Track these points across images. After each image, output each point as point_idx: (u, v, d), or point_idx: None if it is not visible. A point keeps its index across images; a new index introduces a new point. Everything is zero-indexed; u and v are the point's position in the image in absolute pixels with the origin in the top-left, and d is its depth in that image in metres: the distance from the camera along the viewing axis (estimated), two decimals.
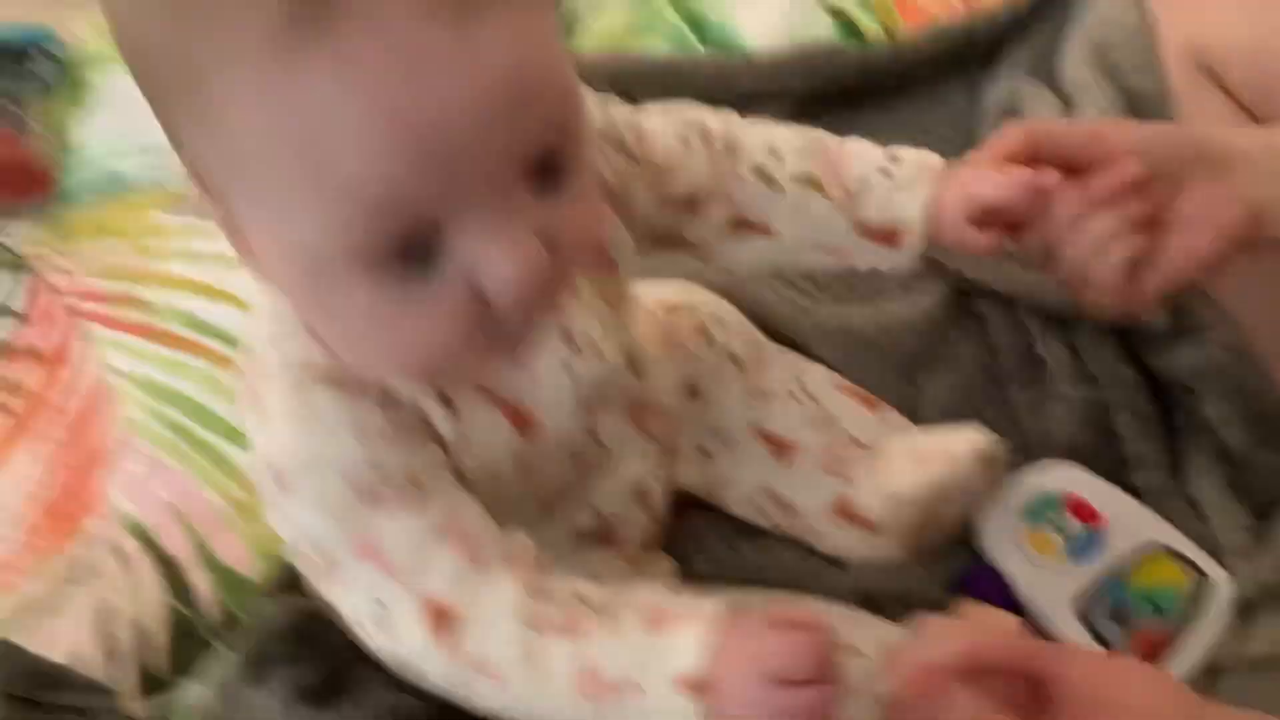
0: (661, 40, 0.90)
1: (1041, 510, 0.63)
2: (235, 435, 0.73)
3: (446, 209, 0.37)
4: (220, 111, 0.36)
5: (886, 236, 0.53)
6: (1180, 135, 0.58)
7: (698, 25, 0.91)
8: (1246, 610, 0.58)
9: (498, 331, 0.39)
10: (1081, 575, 0.60)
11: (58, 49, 0.96)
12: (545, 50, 0.38)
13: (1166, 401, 0.67)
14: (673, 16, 0.92)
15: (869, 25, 0.90)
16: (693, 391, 0.62)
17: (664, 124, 0.53)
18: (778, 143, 0.53)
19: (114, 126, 0.91)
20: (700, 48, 0.90)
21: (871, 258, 0.54)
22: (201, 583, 0.66)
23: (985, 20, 0.85)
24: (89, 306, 0.80)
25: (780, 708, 0.39)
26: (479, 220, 0.37)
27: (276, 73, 0.34)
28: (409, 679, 0.45)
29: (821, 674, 0.39)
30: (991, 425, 0.63)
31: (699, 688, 0.39)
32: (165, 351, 0.77)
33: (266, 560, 0.66)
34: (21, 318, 0.80)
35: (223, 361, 0.76)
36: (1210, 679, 0.56)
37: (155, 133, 0.91)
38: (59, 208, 0.87)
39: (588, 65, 0.81)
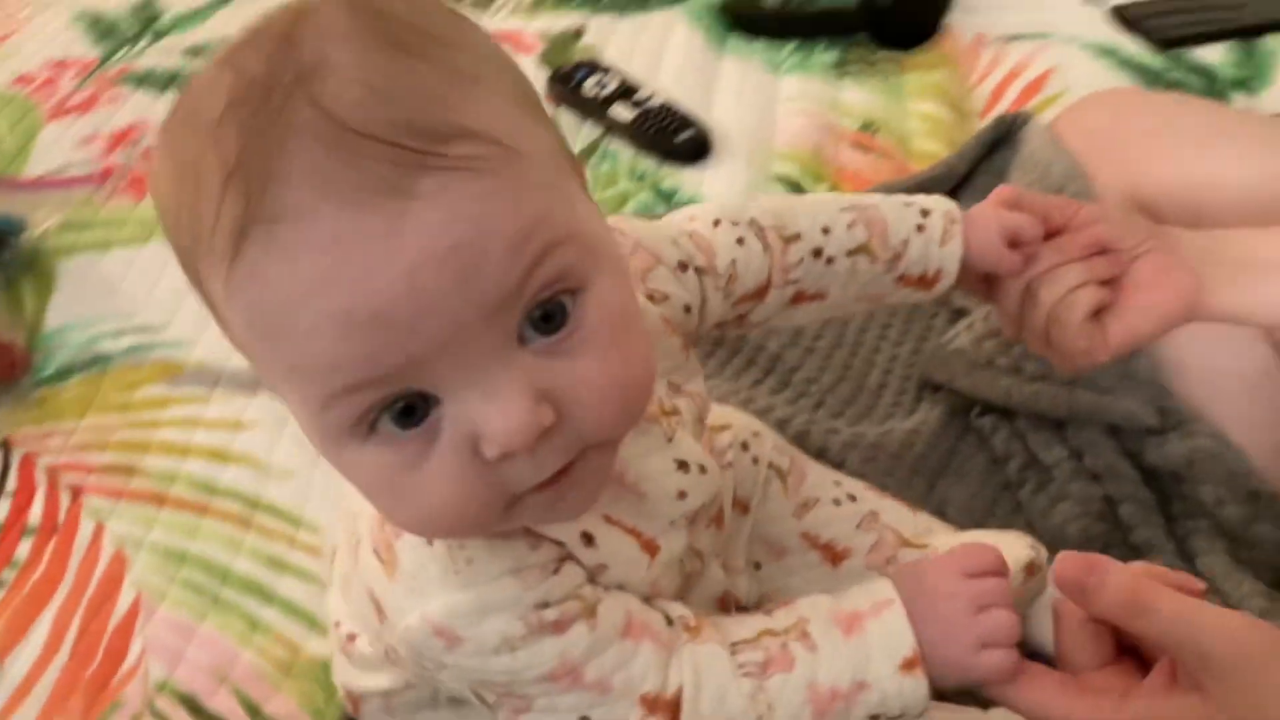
0: (633, 210, 0.96)
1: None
2: (263, 593, 0.71)
3: (427, 378, 0.37)
4: (213, 303, 0.39)
5: (925, 282, 0.58)
6: (1135, 216, 0.65)
7: (665, 196, 0.98)
8: None
9: (515, 487, 0.39)
10: None
11: (22, 236, 0.96)
12: (508, 211, 0.36)
13: (1163, 491, 0.73)
14: (641, 191, 0.99)
15: (817, 190, 0.98)
16: (743, 506, 0.64)
17: (720, 232, 0.57)
18: (827, 220, 0.58)
19: (88, 310, 0.91)
20: None
21: (907, 298, 0.60)
22: None
23: (928, 178, 0.94)
24: (90, 480, 0.78)
25: (985, 631, 0.46)
26: (466, 383, 0.37)
27: (238, 274, 0.36)
28: None
29: (998, 568, 0.47)
30: (1010, 527, 0.68)
31: (914, 664, 0.45)
32: (177, 516, 0.75)
33: (320, 716, 0.64)
34: (13, 495, 0.77)
35: (241, 522, 0.75)
36: None
37: (138, 314, 0.93)
38: (41, 390, 0.85)
39: None
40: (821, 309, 0.59)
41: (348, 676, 0.56)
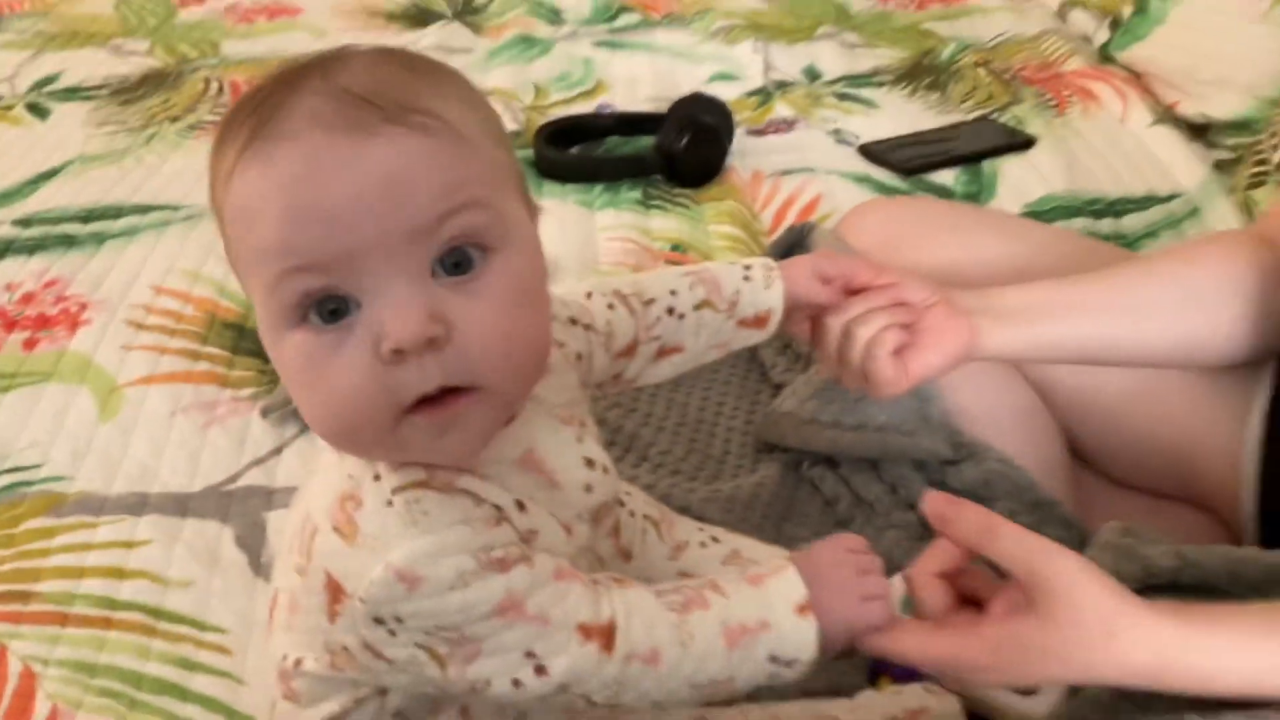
0: None
1: (907, 607, 0.80)
2: (178, 691, 0.74)
3: (353, 281, 0.47)
4: (220, 218, 0.51)
5: (759, 321, 0.71)
6: (923, 278, 0.81)
7: None
8: None
9: (402, 393, 0.48)
10: None
11: None
12: (441, 166, 0.48)
13: None
14: None
15: None
16: (626, 555, 0.74)
17: (593, 301, 0.68)
18: (673, 284, 0.70)
19: None
20: None
21: (747, 339, 0.71)
22: None
23: None
24: None
25: (866, 589, 0.57)
26: (379, 291, 0.48)
27: (238, 173, 0.48)
28: (563, 707, 0.52)
29: (876, 565, 0.58)
30: None
31: (807, 609, 0.55)
32: (81, 632, 0.77)
33: None
34: None
35: (146, 630, 0.78)
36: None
37: (9, 458, 0.96)
38: None
39: None
40: (683, 360, 0.71)
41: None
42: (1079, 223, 1.21)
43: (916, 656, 0.59)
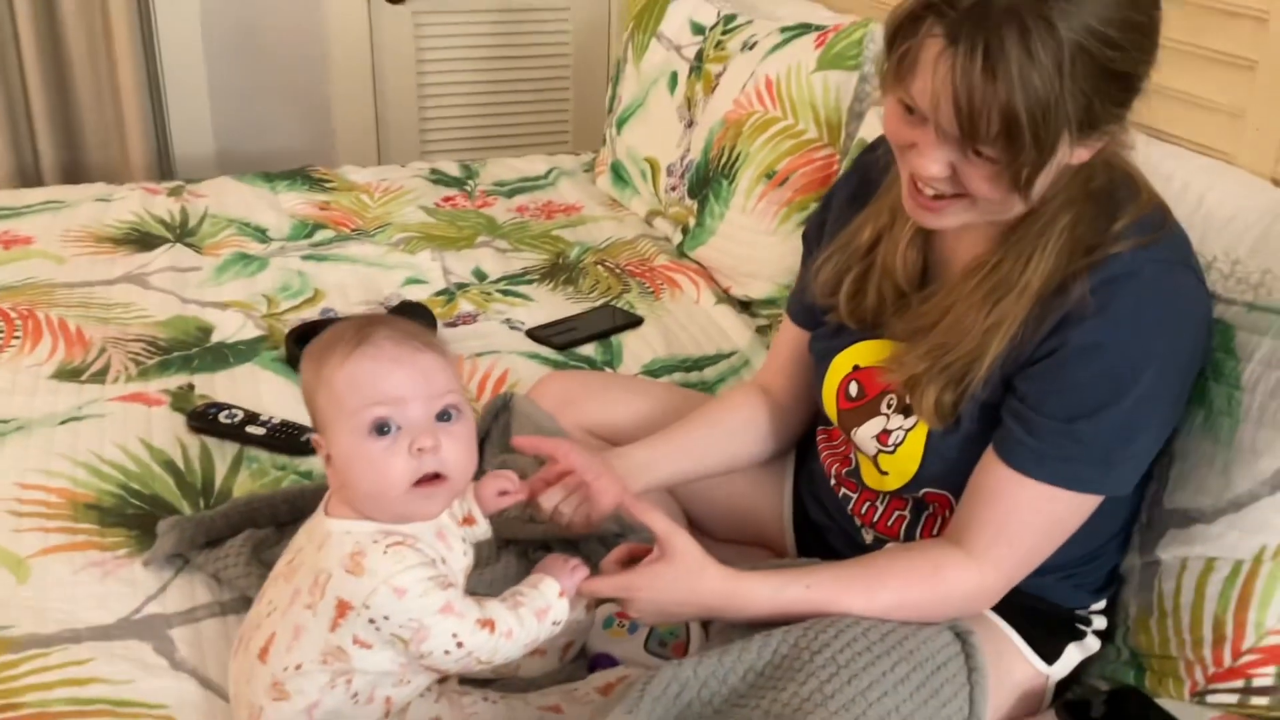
0: (286, 484, 1.49)
1: (610, 622, 1.31)
2: None
3: (399, 416, 1.00)
4: (326, 390, 1.01)
5: (470, 521, 1.16)
6: (590, 446, 1.35)
7: (305, 475, 1.52)
8: None
9: (417, 472, 1.00)
10: (638, 638, 1.28)
11: None
12: (445, 369, 1.03)
13: None
14: (287, 476, 1.52)
15: None
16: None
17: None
18: None
19: None
20: None
21: (472, 535, 1.17)
22: None
23: None
24: None
25: (573, 569, 1.08)
26: (411, 422, 1.00)
27: (351, 362, 1.00)
28: (468, 666, 1.01)
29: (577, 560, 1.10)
30: None
31: (562, 593, 1.06)
32: None
33: None
34: None
35: (114, 714, 1.14)
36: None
37: None
38: None
39: None
40: None
41: (277, 715, 1.02)
42: (677, 375, 1.82)
43: (608, 589, 1.10)
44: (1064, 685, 1.23)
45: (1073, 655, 1.23)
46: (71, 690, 1.17)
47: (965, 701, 1.09)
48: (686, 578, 1.10)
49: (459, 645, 0.99)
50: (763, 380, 1.44)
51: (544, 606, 1.05)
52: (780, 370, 1.41)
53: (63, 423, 1.59)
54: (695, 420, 1.38)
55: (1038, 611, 1.21)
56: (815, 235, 1.35)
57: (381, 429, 0.99)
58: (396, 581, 0.98)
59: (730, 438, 1.38)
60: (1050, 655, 1.21)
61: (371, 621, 0.98)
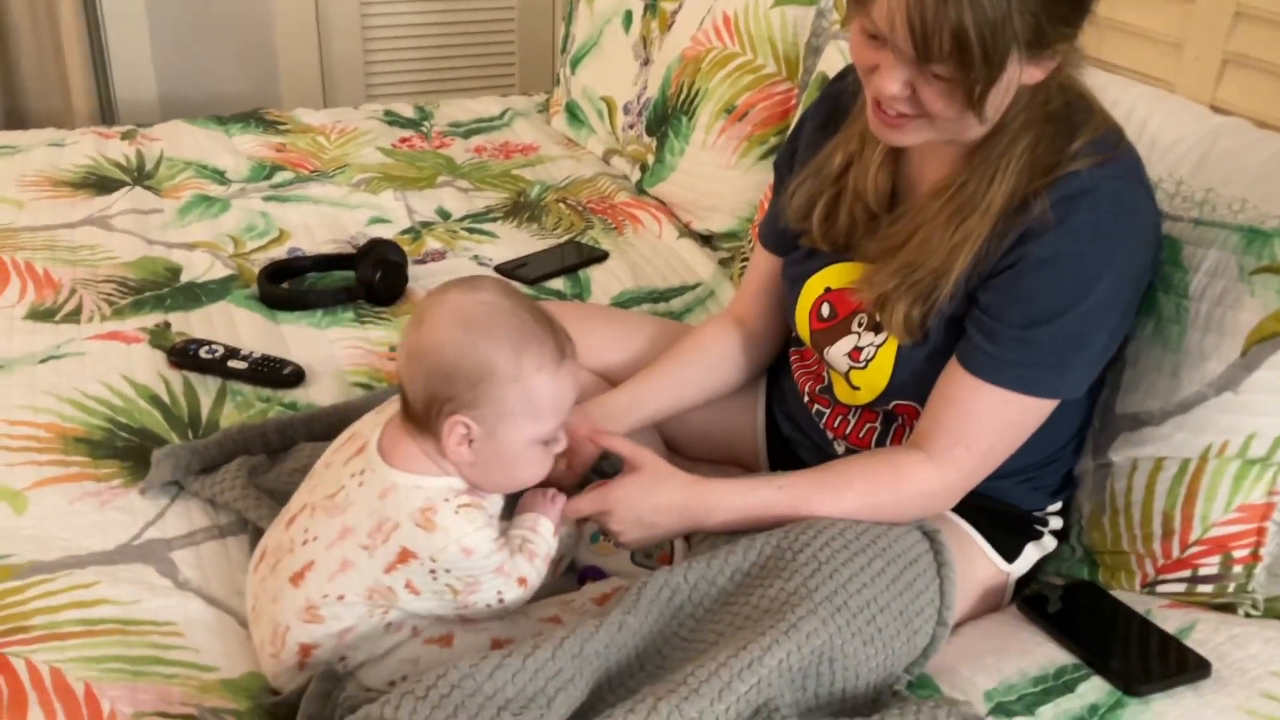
0: (273, 414, 1.52)
1: (596, 537, 1.37)
2: (160, 661, 1.15)
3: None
4: (531, 377, 1.05)
5: None
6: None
7: (290, 407, 1.55)
8: None
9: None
10: (625, 551, 1.34)
11: None
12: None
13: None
14: (272, 408, 1.55)
15: (379, 387, 1.62)
16: None
17: None
18: None
19: None
20: None
21: None
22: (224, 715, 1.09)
23: None
24: None
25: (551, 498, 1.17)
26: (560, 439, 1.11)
27: (559, 377, 1.08)
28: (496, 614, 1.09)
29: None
30: None
31: (556, 529, 1.14)
32: (78, 642, 1.16)
33: (241, 701, 1.12)
34: None
35: (123, 632, 1.18)
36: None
37: None
38: None
39: None
40: None
41: (308, 636, 1.07)
42: (645, 306, 1.87)
43: (587, 506, 1.17)
44: (1023, 583, 1.32)
45: (1031, 554, 1.31)
46: (80, 612, 1.20)
47: (936, 593, 1.17)
48: (656, 485, 1.18)
49: (500, 601, 1.08)
50: (736, 311, 1.49)
51: (548, 551, 1.13)
52: (753, 299, 1.47)
53: (42, 361, 1.60)
54: (672, 358, 1.43)
55: (998, 513, 1.29)
56: (787, 163, 1.41)
57: (551, 441, 1.10)
58: (467, 541, 1.04)
59: (708, 373, 1.44)
60: (1010, 554, 1.29)
61: (432, 573, 1.05)
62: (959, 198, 1.18)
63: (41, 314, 1.74)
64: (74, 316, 1.73)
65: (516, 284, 1.89)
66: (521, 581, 1.09)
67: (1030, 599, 1.25)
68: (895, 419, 1.31)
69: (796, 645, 1.04)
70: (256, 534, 1.29)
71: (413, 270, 1.91)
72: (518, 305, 1.08)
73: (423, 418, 1.07)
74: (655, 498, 1.18)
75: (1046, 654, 1.16)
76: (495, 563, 1.06)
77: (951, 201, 1.18)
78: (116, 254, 1.94)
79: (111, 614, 1.20)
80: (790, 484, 1.20)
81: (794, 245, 1.37)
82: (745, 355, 1.46)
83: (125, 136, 2.44)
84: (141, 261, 1.92)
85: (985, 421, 1.18)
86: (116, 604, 1.21)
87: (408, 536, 1.04)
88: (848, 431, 1.36)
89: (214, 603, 1.23)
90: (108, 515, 1.34)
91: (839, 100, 1.34)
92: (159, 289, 1.83)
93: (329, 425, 1.47)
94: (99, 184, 2.23)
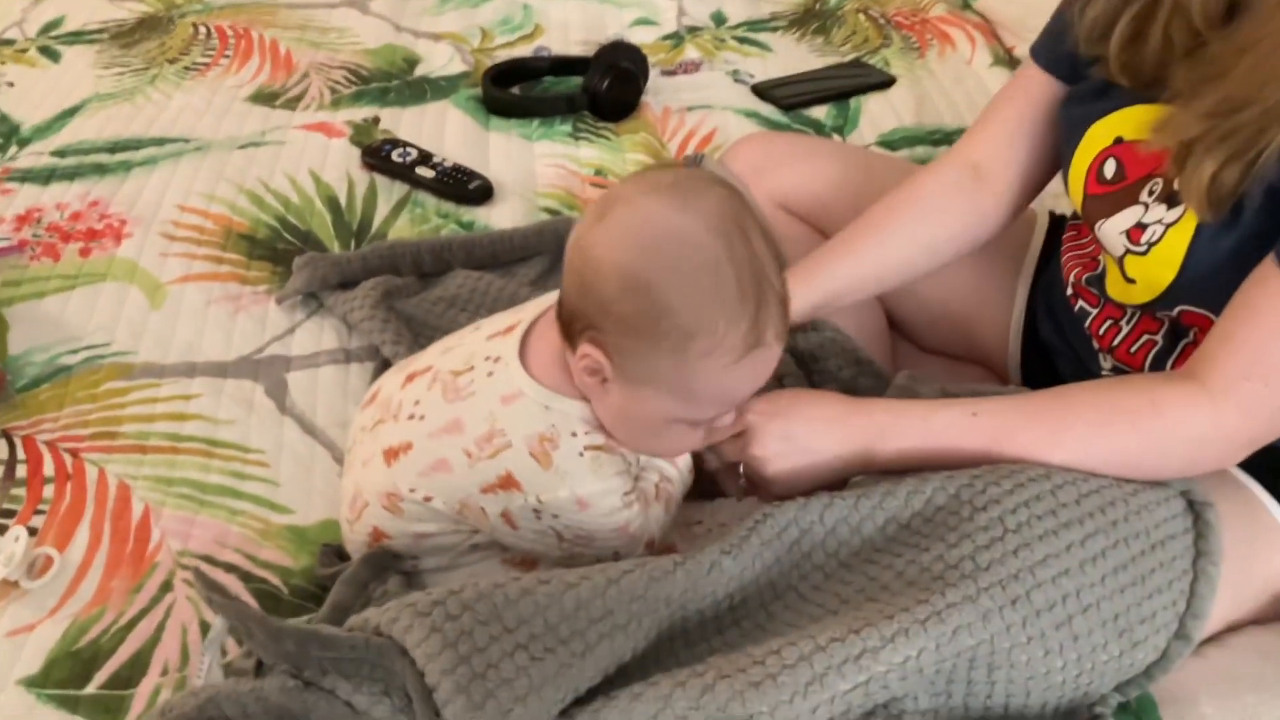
0: (447, 231, 1.35)
1: None
2: (234, 494, 1.03)
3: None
4: (695, 360, 0.76)
5: None
6: None
7: (466, 226, 1.37)
8: None
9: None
10: None
11: None
12: None
13: (807, 367, 1.17)
14: (447, 224, 1.38)
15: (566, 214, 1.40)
16: None
17: None
18: None
19: (41, 338, 1.19)
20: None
21: None
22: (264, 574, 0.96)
23: None
24: (83, 445, 1.07)
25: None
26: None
27: (746, 363, 0.77)
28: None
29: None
30: None
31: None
32: (158, 458, 1.06)
33: (296, 559, 0.97)
34: (25, 461, 1.06)
35: (205, 454, 1.07)
36: None
37: (85, 337, 1.18)
38: (20, 397, 1.13)
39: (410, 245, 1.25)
40: None
41: (384, 523, 0.88)
42: (920, 150, 1.51)
43: (730, 431, 0.88)
44: None
45: None
46: (172, 425, 1.10)
47: (1182, 594, 0.82)
48: (808, 394, 0.88)
49: (614, 556, 0.85)
50: (971, 153, 1.09)
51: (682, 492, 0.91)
52: (1000, 137, 1.07)
53: (241, 147, 1.51)
54: (876, 218, 1.08)
55: None
56: None
57: (703, 423, 0.84)
58: (583, 491, 0.82)
59: (923, 226, 1.07)
60: None
61: (536, 512, 0.83)
62: None
63: (265, 97, 1.65)
64: (293, 103, 1.63)
65: (769, 107, 1.59)
66: (649, 544, 0.86)
67: None
68: (1185, 334, 0.92)
69: (935, 642, 0.74)
70: (384, 364, 1.13)
71: (656, 83, 1.65)
72: (731, 253, 0.76)
73: (566, 324, 0.81)
74: (809, 407, 0.90)
75: None
76: (618, 521, 0.83)
77: None
78: (362, 40, 1.82)
79: (201, 431, 1.09)
80: (991, 409, 0.87)
81: (1081, 74, 0.98)
82: (976, 209, 1.08)
83: None
84: (383, 50, 1.79)
85: None
86: (210, 421, 1.10)
87: (516, 461, 0.82)
88: (1116, 341, 0.98)
89: (312, 432, 1.09)
90: (238, 323, 1.22)
91: None
92: (387, 80, 1.69)
93: (491, 252, 1.28)
94: None
